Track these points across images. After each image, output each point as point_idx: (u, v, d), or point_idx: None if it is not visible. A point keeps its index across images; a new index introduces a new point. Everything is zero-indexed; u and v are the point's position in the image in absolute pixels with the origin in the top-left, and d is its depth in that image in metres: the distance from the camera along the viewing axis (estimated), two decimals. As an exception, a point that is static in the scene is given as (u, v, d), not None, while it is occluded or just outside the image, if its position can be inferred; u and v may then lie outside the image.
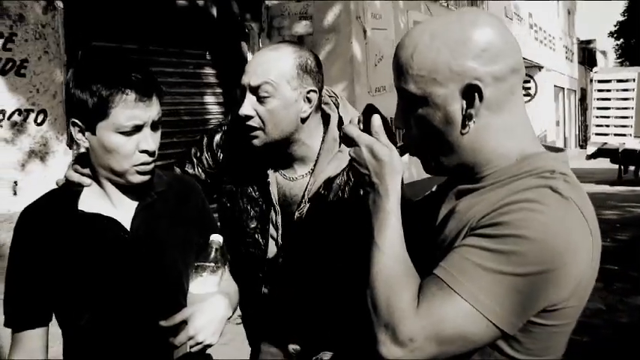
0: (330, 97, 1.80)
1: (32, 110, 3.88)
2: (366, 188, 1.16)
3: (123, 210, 1.46)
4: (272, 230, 1.79)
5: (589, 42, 28.23)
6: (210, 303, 1.44)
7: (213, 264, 1.47)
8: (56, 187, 1.54)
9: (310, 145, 1.74)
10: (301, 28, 5.87)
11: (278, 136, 1.67)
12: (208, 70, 5.68)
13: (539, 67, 17.15)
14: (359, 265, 1.15)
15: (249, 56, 5.78)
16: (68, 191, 1.47)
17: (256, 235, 1.80)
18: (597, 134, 15.44)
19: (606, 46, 34.48)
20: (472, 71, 1.06)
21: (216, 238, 1.50)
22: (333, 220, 1.71)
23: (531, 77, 16.88)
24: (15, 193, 3.83)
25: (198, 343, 1.40)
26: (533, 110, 16.24)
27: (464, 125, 1.09)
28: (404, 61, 1.11)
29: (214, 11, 5.36)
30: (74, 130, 1.39)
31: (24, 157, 3.89)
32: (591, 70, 19.27)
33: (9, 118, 3.77)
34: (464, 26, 1.08)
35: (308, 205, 1.74)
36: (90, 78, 1.34)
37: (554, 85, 19.67)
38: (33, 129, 3.91)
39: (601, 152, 15.04)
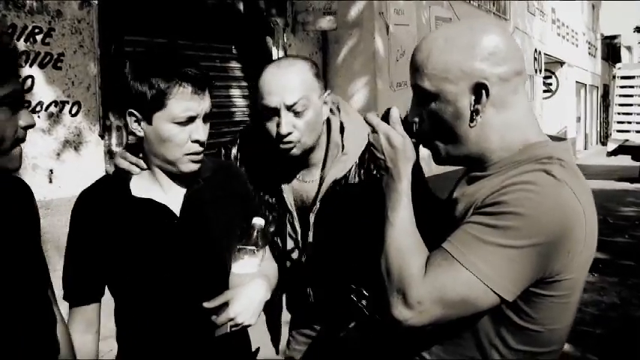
0: (332, 103, 1.88)
1: (67, 102, 4.03)
2: (380, 172, 1.30)
3: (172, 196, 1.55)
4: (291, 232, 1.90)
5: (614, 37, 27.79)
6: (250, 286, 1.53)
7: (254, 246, 1.54)
8: (105, 174, 1.64)
9: (321, 149, 1.85)
10: (325, 23, 5.98)
11: (312, 143, 1.79)
12: (234, 64, 5.81)
13: (561, 63, 17.01)
14: (371, 259, 1.28)
15: (274, 51, 5.91)
16: (119, 178, 1.56)
17: (275, 238, 1.91)
18: (618, 131, 15.28)
19: (632, 42, 33.77)
20: (480, 72, 1.20)
21: (258, 221, 1.57)
22: (344, 221, 1.82)
23: (552, 73, 16.74)
24: (50, 181, 3.98)
25: (237, 324, 1.49)
26: (554, 106, 16.13)
27: (471, 119, 1.23)
28: (420, 61, 1.25)
29: (241, 6, 5.50)
30: (130, 120, 1.48)
31: (59, 146, 4.04)
32: (615, 67, 18.97)
33: (46, 109, 3.92)
34: (474, 32, 1.22)
35: (319, 207, 1.85)
36: (149, 71, 1.42)
37: (576, 81, 19.47)
38: (68, 120, 4.06)
39: (622, 149, 14.86)
